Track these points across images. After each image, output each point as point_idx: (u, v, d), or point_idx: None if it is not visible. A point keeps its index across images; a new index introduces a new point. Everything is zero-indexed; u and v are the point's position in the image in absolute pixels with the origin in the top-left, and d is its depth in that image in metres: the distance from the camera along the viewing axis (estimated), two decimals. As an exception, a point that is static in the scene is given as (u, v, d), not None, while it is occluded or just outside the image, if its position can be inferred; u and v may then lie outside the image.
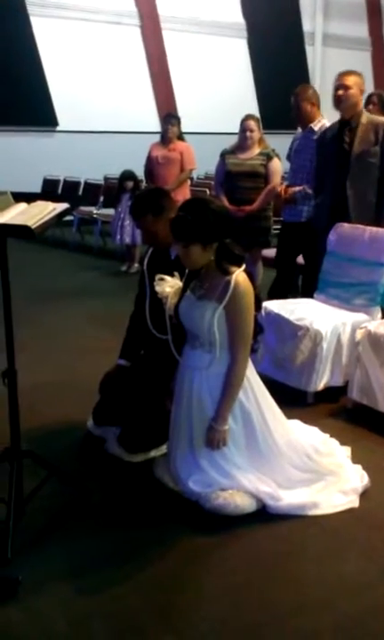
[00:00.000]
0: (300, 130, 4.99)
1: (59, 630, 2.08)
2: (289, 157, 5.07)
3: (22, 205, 2.38)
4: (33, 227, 2.24)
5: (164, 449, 3.01)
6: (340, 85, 4.24)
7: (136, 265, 7.20)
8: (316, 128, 4.79)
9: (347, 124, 4.27)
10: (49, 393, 3.86)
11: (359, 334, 3.61)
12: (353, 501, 2.78)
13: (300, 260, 5.10)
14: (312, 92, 4.87)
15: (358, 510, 2.74)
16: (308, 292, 4.58)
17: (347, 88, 4.20)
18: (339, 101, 4.24)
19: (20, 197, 2.48)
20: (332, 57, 13.44)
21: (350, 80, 4.21)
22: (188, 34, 11.77)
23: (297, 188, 4.81)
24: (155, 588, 2.28)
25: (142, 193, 3.57)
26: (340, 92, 4.22)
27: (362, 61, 13.04)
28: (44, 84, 10.51)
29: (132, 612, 2.16)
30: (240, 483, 2.66)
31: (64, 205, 2.41)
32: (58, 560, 2.41)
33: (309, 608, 2.18)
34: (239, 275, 2.55)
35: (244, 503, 2.64)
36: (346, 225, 4.21)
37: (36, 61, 10.43)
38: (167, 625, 2.10)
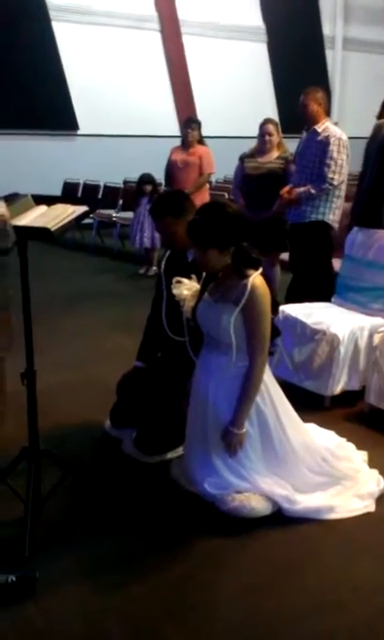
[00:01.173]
0: (304, 134, 5.01)
1: (75, 629, 2.10)
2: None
3: (42, 208, 2.41)
4: (53, 229, 2.27)
5: (180, 451, 3.02)
6: None
7: (154, 268, 7.23)
8: (319, 130, 4.82)
9: None
10: (67, 394, 3.89)
11: (377, 339, 3.60)
12: (369, 506, 2.77)
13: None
14: (321, 95, 4.90)
15: (374, 515, 2.74)
16: (316, 294, 4.59)
17: None
18: None
19: (41, 200, 2.51)
20: (351, 61, 13.42)
21: None
22: (207, 38, 11.80)
23: (301, 189, 4.83)
24: (170, 588, 2.29)
25: (163, 194, 3.60)
26: None
27: (382, 65, 13.00)
28: (64, 88, 10.60)
29: (148, 612, 2.18)
30: (256, 485, 2.67)
31: (83, 208, 2.43)
32: (74, 559, 2.43)
33: (323, 611, 2.18)
34: (256, 278, 2.56)
35: (259, 506, 2.65)
36: (363, 229, 4.21)
37: (57, 66, 10.52)
38: (182, 625, 2.11)
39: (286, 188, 5.01)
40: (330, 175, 4.72)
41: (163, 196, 3.31)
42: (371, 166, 4.31)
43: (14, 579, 2.23)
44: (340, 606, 2.20)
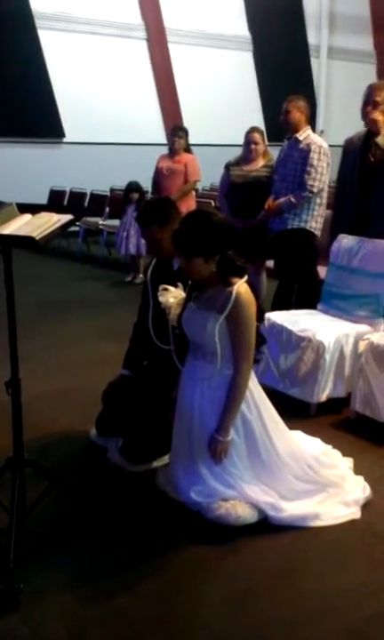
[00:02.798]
0: (285, 143, 5.06)
1: (59, 638, 2.08)
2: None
3: (27, 217, 2.41)
4: (37, 238, 2.27)
5: (165, 459, 3.02)
6: (369, 100, 4.28)
7: (141, 276, 7.24)
8: (301, 138, 4.88)
9: (373, 136, 4.32)
10: (52, 402, 3.88)
11: (362, 346, 3.62)
12: (355, 513, 2.78)
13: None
14: (303, 104, 4.98)
15: (360, 522, 2.74)
16: (302, 302, 4.61)
17: (376, 104, 4.25)
18: (366, 116, 4.28)
19: (26, 209, 2.50)
20: (337, 69, 13.55)
21: (380, 95, 4.25)
22: (193, 47, 11.88)
23: (282, 199, 4.89)
24: (155, 597, 2.28)
25: (150, 202, 3.61)
26: (369, 108, 4.26)
27: (366, 74, 13.12)
28: (50, 96, 10.61)
29: (133, 622, 2.16)
30: (242, 493, 2.67)
31: (68, 217, 2.43)
32: (59, 570, 2.41)
33: (310, 618, 2.18)
34: (241, 286, 2.57)
35: (245, 514, 2.65)
36: (347, 236, 4.24)
37: (43, 74, 10.54)
38: (167, 635, 2.10)
39: (269, 201, 5.04)
40: (310, 182, 4.77)
41: (149, 204, 3.32)
42: (350, 176, 4.36)
43: (-2, 590, 2.22)
44: (327, 613, 2.20)
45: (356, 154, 4.40)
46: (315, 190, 4.78)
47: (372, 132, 4.34)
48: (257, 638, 2.10)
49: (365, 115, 4.33)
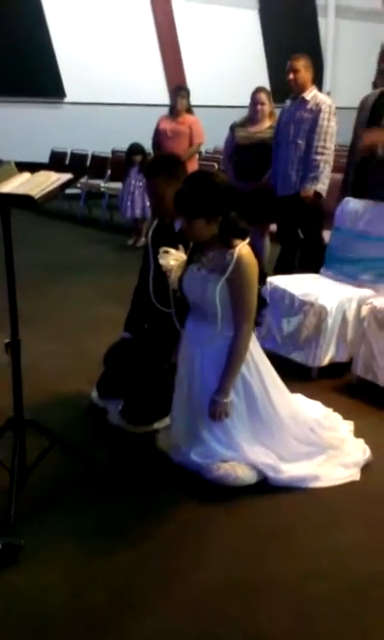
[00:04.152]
0: (288, 102, 4.95)
1: (61, 594, 2.12)
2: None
3: (26, 175, 2.37)
4: (36, 197, 2.22)
5: (166, 421, 3.03)
6: None
7: (143, 239, 7.18)
8: (308, 98, 4.78)
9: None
10: (54, 364, 3.88)
11: (364, 310, 3.60)
12: (354, 475, 2.79)
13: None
14: (309, 62, 4.85)
15: (359, 484, 2.76)
16: (306, 266, 4.57)
17: None
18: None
19: (26, 167, 2.46)
20: (344, 29, 13.19)
21: None
22: (198, 4, 11.55)
23: (309, 186, 4.72)
24: (155, 556, 2.31)
25: (160, 155, 3.55)
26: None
27: (375, 33, 12.76)
28: (51, 54, 10.39)
29: (132, 579, 2.19)
30: (242, 454, 2.68)
31: (67, 176, 2.38)
32: (60, 528, 2.44)
33: (308, 577, 2.21)
34: (242, 248, 2.54)
35: (244, 475, 2.66)
36: (353, 200, 4.18)
37: (43, 31, 10.29)
38: (167, 591, 2.13)
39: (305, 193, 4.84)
40: (321, 144, 4.68)
41: (159, 156, 3.27)
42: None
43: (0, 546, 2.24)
44: (324, 573, 2.23)
45: (366, 112, 4.28)
46: (327, 152, 4.68)
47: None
48: (255, 594, 2.13)
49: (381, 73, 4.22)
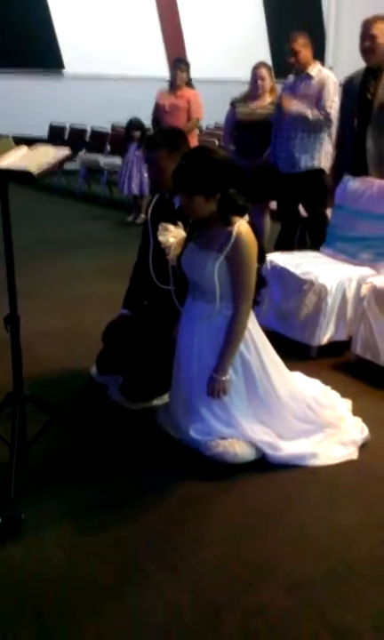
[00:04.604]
0: (291, 77, 4.90)
1: (60, 568, 2.14)
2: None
3: (23, 150, 2.34)
4: (35, 172, 2.20)
5: (165, 398, 3.04)
6: (366, 35, 4.08)
7: (142, 216, 7.14)
8: (313, 73, 4.75)
9: (372, 72, 4.14)
10: (53, 341, 3.88)
11: (364, 289, 3.59)
12: (352, 453, 2.81)
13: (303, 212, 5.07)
14: (308, 39, 4.81)
15: (357, 462, 2.78)
16: (312, 244, 4.55)
17: (373, 38, 4.05)
18: (365, 52, 4.09)
19: (23, 142, 2.43)
20: (347, 2, 12.96)
21: (378, 29, 4.05)
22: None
23: (298, 109, 4.70)
24: (154, 531, 2.33)
25: (163, 128, 3.50)
26: (367, 43, 4.07)
27: (378, 8, 12.55)
28: (50, 26, 10.23)
29: (131, 552, 2.22)
30: (240, 431, 2.69)
31: (65, 151, 2.36)
32: (60, 502, 2.46)
33: (305, 555, 2.23)
34: (241, 225, 2.52)
35: (243, 452, 2.68)
36: (353, 178, 4.14)
37: (42, 2, 10.11)
38: (166, 566, 2.16)
39: (286, 99, 4.82)
40: (328, 104, 4.65)
41: (162, 130, 3.23)
42: (349, 117, 4.21)
43: (0, 520, 2.26)
44: (321, 551, 2.25)
45: (355, 93, 4.23)
46: (331, 118, 4.63)
47: (372, 69, 4.16)
48: (252, 571, 2.15)
49: (364, 51, 4.13)
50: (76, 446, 2.81)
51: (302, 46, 4.73)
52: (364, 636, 1.90)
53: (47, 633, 1.89)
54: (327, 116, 4.65)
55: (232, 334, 2.60)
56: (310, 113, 4.68)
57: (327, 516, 2.44)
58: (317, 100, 4.69)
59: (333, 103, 4.63)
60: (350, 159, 4.30)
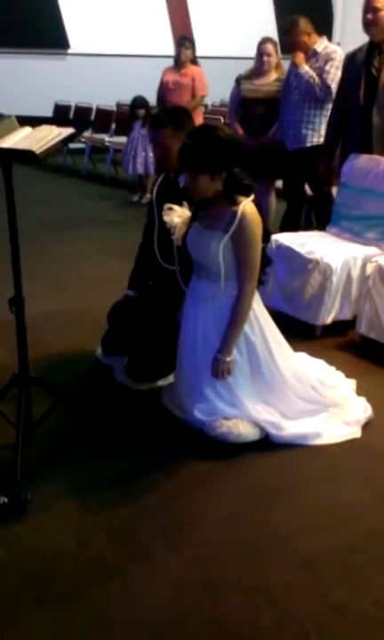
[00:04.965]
0: None
1: (66, 546, 2.17)
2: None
3: (27, 129, 2.32)
4: (38, 152, 2.19)
5: (170, 378, 3.05)
6: (368, 7, 4.00)
7: (148, 195, 7.08)
8: (319, 50, 4.72)
9: (376, 48, 4.06)
10: (58, 322, 3.89)
11: (369, 268, 3.58)
12: (355, 432, 2.82)
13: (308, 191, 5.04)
14: (306, 22, 4.75)
15: (360, 441, 2.79)
16: (317, 222, 4.53)
17: (376, 10, 3.97)
18: (368, 25, 4.02)
19: (28, 122, 2.41)
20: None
21: (380, 1, 3.97)
22: None
23: (308, 70, 4.68)
24: (158, 509, 2.36)
25: (167, 107, 3.47)
26: (370, 16, 3.99)
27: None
28: (55, 4, 10.09)
29: (137, 531, 2.24)
30: (244, 412, 2.70)
31: (69, 130, 2.33)
32: (66, 482, 2.49)
33: (308, 532, 2.25)
34: (246, 205, 2.51)
35: (247, 432, 2.69)
36: (359, 155, 4.10)
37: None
38: (170, 544, 2.18)
39: (299, 57, 4.78)
40: (331, 77, 4.63)
41: (167, 108, 3.20)
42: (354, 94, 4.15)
43: (6, 500, 2.29)
44: (324, 529, 2.27)
45: (359, 70, 4.15)
46: (332, 87, 4.59)
47: (374, 43, 4.08)
48: (255, 549, 2.17)
49: (366, 24, 4.06)
50: (81, 427, 2.83)
51: (301, 34, 4.69)
52: (364, 611, 1.92)
53: (53, 612, 1.92)
54: (328, 89, 4.60)
55: (237, 314, 2.60)
56: (316, 80, 4.65)
57: (329, 495, 2.46)
58: (321, 73, 4.66)
59: (335, 77, 4.58)
60: (357, 136, 4.25)
